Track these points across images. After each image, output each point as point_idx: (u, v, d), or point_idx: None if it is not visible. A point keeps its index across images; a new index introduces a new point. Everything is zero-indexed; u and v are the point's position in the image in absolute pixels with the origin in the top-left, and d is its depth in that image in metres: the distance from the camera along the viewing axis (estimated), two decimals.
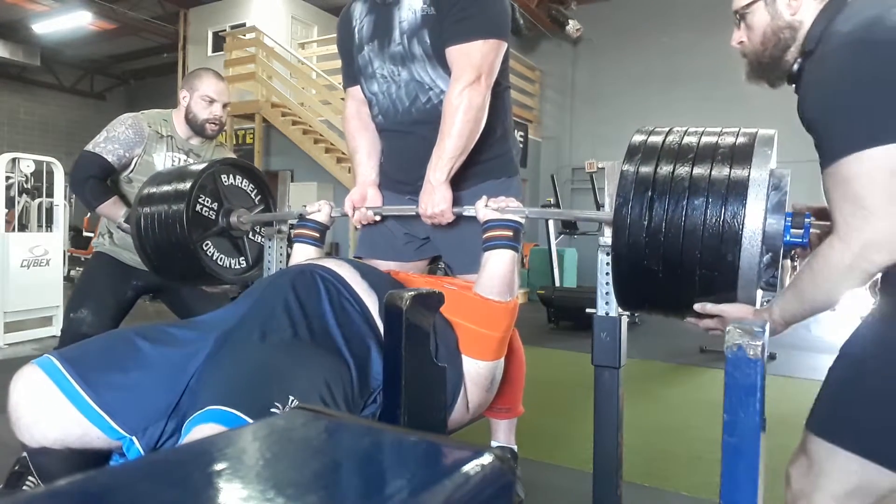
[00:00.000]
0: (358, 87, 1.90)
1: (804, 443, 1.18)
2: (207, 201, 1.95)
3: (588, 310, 1.51)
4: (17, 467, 1.71)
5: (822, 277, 1.06)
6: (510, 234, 1.53)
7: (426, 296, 1.15)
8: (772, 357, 4.17)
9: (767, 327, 0.88)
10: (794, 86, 1.22)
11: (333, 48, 8.69)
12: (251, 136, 9.57)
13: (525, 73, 9.82)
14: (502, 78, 1.80)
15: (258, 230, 2.13)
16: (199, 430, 1.02)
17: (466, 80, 1.62)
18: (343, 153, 8.39)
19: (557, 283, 6.84)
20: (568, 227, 7.50)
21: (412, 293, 1.11)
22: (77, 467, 1.14)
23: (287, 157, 9.30)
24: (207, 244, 1.94)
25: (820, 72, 1.10)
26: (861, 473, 1.08)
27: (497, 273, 1.50)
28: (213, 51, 10.53)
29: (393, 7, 1.75)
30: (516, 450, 1.95)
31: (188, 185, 1.86)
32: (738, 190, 1.08)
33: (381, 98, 1.82)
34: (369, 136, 1.91)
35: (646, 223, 1.14)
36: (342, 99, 8.47)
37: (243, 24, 9.88)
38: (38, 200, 7.33)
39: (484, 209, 1.56)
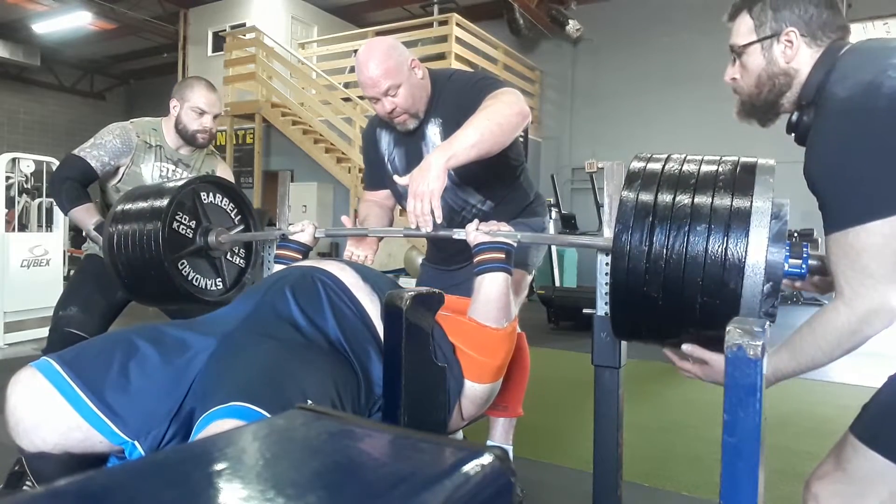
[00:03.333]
0: (378, 191, 2.06)
1: (842, 460, 1.15)
2: (185, 219, 1.87)
3: (586, 310, 1.51)
4: (17, 467, 1.71)
5: (825, 340, 1.08)
6: (502, 256, 1.47)
7: (426, 296, 1.15)
8: None
9: (767, 327, 0.88)
10: (792, 135, 1.23)
11: (333, 48, 8.66)
12: (251, 136, 9.57)
13: (525, 73, 9.82)
14: (514, 158, 1.94)
15: (237, 251, 2.07)
16: (216, 426, 0.99)
17: (501, 94, 1.70)
18: (343, 153, 8.40)
19: (557, 283, 6.84)
20: (568, 226, 7.51)
21: (412, 293, 1.11)
22: (75, 472, 1.12)
23: (287, 157, 9.30)
24: (183, 263, 1.86)
25: (822, 140, 1.11)
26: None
27: (491, 297, 1.44)
28: (213, 51, 10.53)
29: (420, 141, 1.88)
30: (511, 450, 1.95)
31: (166, 201, 1.78)
32: (741, 219, 1.09)
33: None
34: (382, 212, 2.05)
35: (646, 249, 1.13)
36: (342, 99, 8.52)
37: (243, 24, 9.88)
38: (38, 200, 7.34)
39: (474, 232, 1.50)
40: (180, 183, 1.88)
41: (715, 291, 1.10)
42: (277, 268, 1.74)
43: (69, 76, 14.34)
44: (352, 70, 8.96)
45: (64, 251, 6.03)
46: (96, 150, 2.23)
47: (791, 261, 1.16)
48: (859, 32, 7.99)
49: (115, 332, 1.31)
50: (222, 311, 1.41)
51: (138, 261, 1.78)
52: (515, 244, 1.50)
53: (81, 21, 10.72)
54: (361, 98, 7.48)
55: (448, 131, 1.79)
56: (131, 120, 2.37)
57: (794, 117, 1.22)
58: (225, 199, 2.03)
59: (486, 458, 0.49)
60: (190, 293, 1.85)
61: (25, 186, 7.47)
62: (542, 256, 2.10)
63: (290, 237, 1.77)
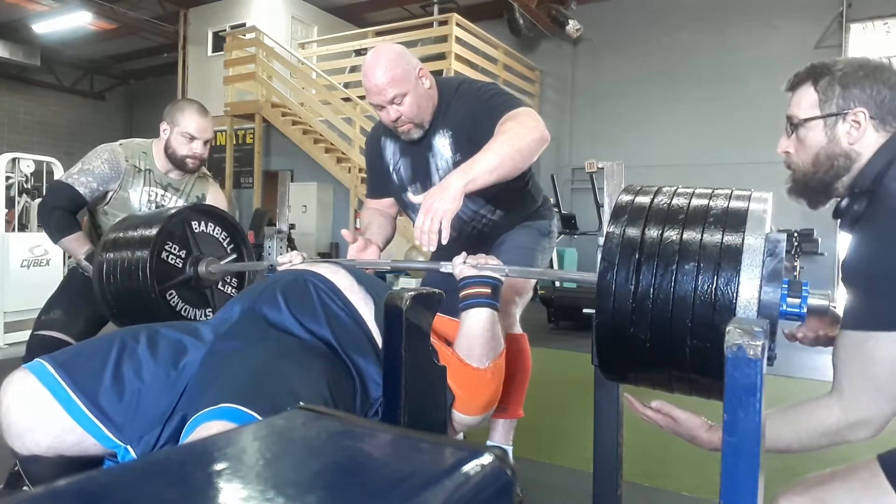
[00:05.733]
0: (381, 199, 2.04)
1: (857, 479, 1.10)
2: (175, 248, 1.83)
3: (586, 310, 1.50)
4: (17, 467, 1.70)
5: (807, 433, 1.06)
6: (488, 291, 1.40)
7: (426, 296, 1.14)
8: (772, 358, 4.14)
9: (768, 327, 0.88)
10: (838, 220, 1.17)
11: (333, 48, 8.65)
12: (251, 136, 9.57)
13: (525, 73, 9.82)
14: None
15: (229, 280, 2.03)
16: (205, 428, 0.99)
17: (519, 116, 1.68)
18: (343, 153, 8.40)
19: (557, 284, 6.84)
20: (568, 226, 7.50)
21: (412, 293, 1.11)
22: (69, 474, 1.11)
23: (287, 157, 9.30)
24: (171, 294, 1.81)
25: (873, 235, 1.05)
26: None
27: (475, 334, 1.37)
28: (213, 51, 10.53)
29: (427, 152, 1.86)
30: (511, 450, 1.95)
31: (155, 231, 1.76)
32: (731, 256, 1.02)
33: None
34: (385, 221, 2.02)
35: (632, 288, 1.06)
36: (342, 99, 8.52)
37: (243, 24, 9.88)
38: (38, 200, 7.33)
39: (461, 266, 1.44)
40: (171, 212, 1.85)
41: (705, 334, 1.03)
42: None
43: (69, 76, 14.34)
44: (352, 70, 8.96)
45: (64, 251, 6.02)
46: (84, 177, 2.17)
47: (789, 300, 1.07)
48: (859, 32, 8.00)
49: (109, 334, 1.30)
50: (215, 315, 1.41)
51: (126, 290, 1.74)
52: (503, 279, 1.44)
53: (81, 21, 10.71)
54: (361, 98, 7.48)
55: (459, 144, 1.79)
56: (121, 141, 2.31)
57: (845, 203, 1.15)
58: (217, 227, 1.98)
59: (486, 458, 0.49)
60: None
61: (25, 186, 7.46)
62: (548, 259, 2.08)
63: (278, 269, 1.69)
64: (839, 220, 1.17)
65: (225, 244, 2.00)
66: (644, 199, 1.15)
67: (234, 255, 2.00)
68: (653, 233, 1.08)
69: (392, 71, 1.71)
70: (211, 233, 1.97)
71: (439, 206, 1.49)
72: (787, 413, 1.10)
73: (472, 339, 1.37)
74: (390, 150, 1.96)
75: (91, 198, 2.19)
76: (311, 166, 8.81)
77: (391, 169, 1.96)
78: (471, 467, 0.48)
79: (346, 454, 0.53)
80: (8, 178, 5.51)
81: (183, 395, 1.18)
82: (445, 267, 1.50)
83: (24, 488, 1.59)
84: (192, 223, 1.90)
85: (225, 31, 9.99)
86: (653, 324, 1.06)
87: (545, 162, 9.90)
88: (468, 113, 1.78)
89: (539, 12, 9.20)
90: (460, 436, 1.86)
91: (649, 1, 9.16)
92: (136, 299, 1.74)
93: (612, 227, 1.12)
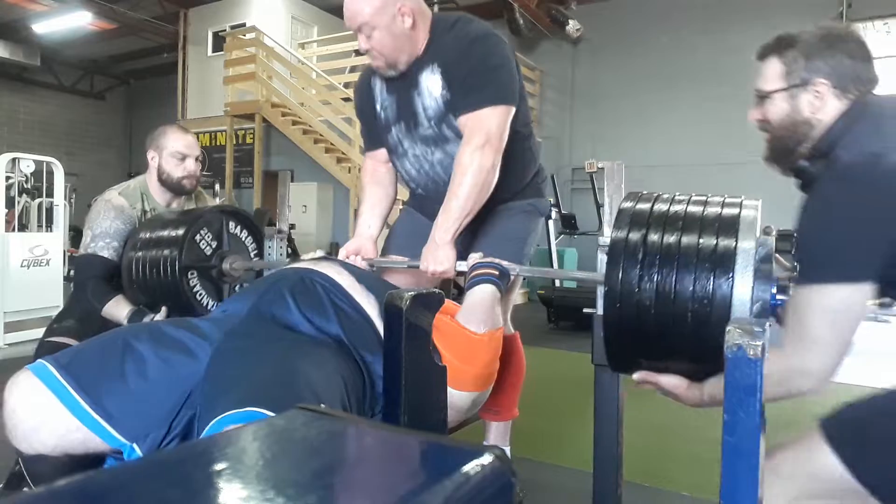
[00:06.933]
0: (377, 150, 1.98)
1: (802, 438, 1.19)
2: (208, 237, 1.98)
3: (586, 310, 1.51)
4: (17, 467, 1.70)
5: None
6: (496, 272, 1.52)
7: (426, 296, 1.14)
8: None
9: (768, 327, 0.88)
10: (799, 182, 1.24)
11: (333, 48, 8.63)
12: (251, 136, 9.57)
13: (525, 73, 9.80)
14: (524, 127, 1.86)
15: (245, 286, 2.06)
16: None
17: (477, 143, 1.65)
18: (343, 153, 8.39)
19: (557, 283, 6.84)
20: (568, 226, 7.51)
21: (412, 293, 1.11)
22: (74, 473, 1.11)
23: (287, 157, 9.29)
24: (192, 275, 1.94)
25: (816, 199, 1.13)
26: (841, 498, 1.10)
27: (476, 301, 1.45)
28: (213, 51, 10.52)
29: (412, 90, 1.79)
30: (508, 451, 1.95)
31: (196, 214, 1.98)
32: (725, 259, 1.12)
33: (417, 176, 1.89)
34: (380, 191, 1.97)
35: (636, 289, 1.16)
36: (342, 99, 8.51)
37: (243, 24, 9.87)
38: (38, 200, 7.34)
39: (476, 259, 1.59)
40: (213, 206, 2.05)
41: (703, 328, 1.12)
42: None
43: (69, 76, 14.33)
44: (352, 70, 8.95)
45: (64, 251, 6.02)
46: (102, 241, 2.14)
47: (779, 297, 1.17)
48: (859, 32, 8.00)
49: (112, 333, 1.30)
50: (218, 311, 1.40)
51: (152, 260, 1.89)
52: (511, 272, 1.56)
53: (81, 21, 10.70)
54: None
55: (449, 80, 1.72)
56: (115, 189, 2.26)
57: (803, 164, 1.22)
58: (249, 237, 2.12)
59: (487, 458, 0.49)
60: (191, 304, 1.91)
61: (25, 186, 7.47)
62: (532, 244, 2.01)
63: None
64: (800, 183, 1.24)
65: (252, 253, 2.13)
66: (645, 206, 1.25)
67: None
68: (654, 237, 1.18)
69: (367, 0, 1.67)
70: (242, 238, 2.11)
71: (438, 268, 1.66)
72: None
73: (472, 307, 1.43)
74: (378, 88, 1.90)
75: (118, 256, 2.14)
76: (311, 166, 8.80)
77: (378, 108, 1.90)
78: (471, 467, 0.48)
79: (346, 454, 0.53)
80: (8, 178, 5.51)
81: (192, 394, 1.17)
82: (461, 266, 1.64)
83: (25, 489, 1.59)
84: (230, 223, 2.06)
85: (225, 31, 9.99)
86: (656, 322, 1.15)
87: (545, 162, 9.88)
88: (463, 60, 1.71)
89: (539, 12, 9.20)
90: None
91: (649, 1, 9.15)
92: (159, 268, 1.88)
93: (616, 231, 1.22)
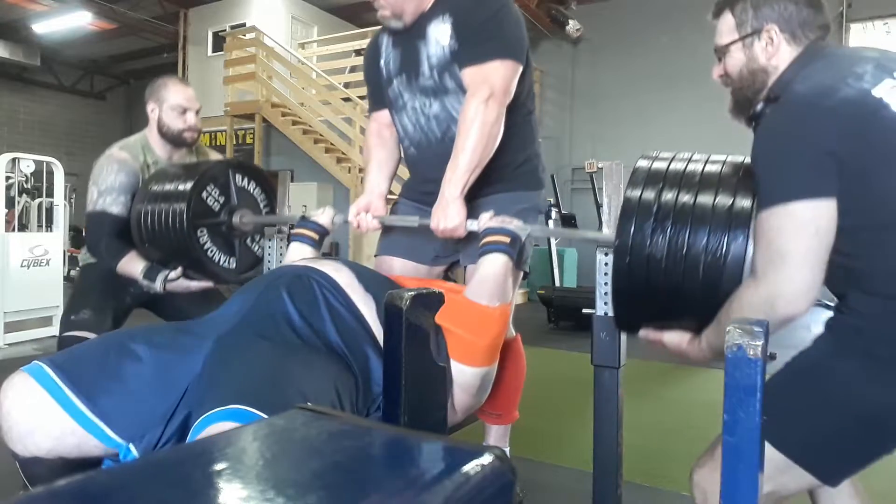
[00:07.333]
0: (381, 111, 1.95)
1: (715, 447, 1.21)
2: (215, 192, 1.97)
3: (586, 310, 1.51)
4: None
5: (736, 314, 1.12)
6: (507, 240, 1.50)
7: (426, 296, 1.15)
8: (772, 357, 4.16)
9: (768, 327, 0.88)
10: (753, 125, 1.27)
11: (333, 48, 8.62)
12: (251, 136, 9.56)
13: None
14: (528, 100, 1.84)
15: (257, 238, 2.11)
16: (215, 428, 0.98)
17: (482, 97, 1.63)
18: (343, 153, 8.39)
19: (557, 284, 6.84)
20: (568, 226, 7.51)
21: (412, 293, 1.11)
22: (69, 476, 1.11)
23: (287, 157, 9.29)
24: (202, 232, 1.94)
25: (769, 124, 1.18)
26: (776, 475, 1.12)
27: (488, 276, 1.45)
28: (213, 51, 10.52)
29: (418, 41, 1.76)
30: (507, 451, 1.94)
31: (201, 169, 1.95)
32: (742, 218, 1.14)
33: (412, 131, 1.85)
34: (385, 152, 1.95)
35: (647, 246, 1.17)
36: (342, 99, 8.51)
37: (243, 24, 9.87)
38: (38, 200, 7.34)
39: (487, 220, 1.57)
40: (217, 159, 2.03)
41: (715, 289, 1.14)
42: (293, 246, 1.78)
43: (69, 76, 14.33)
44: (352, 70, 8.96)
45: (64, 251, 6.03)
46: (111, 196, 2.13)
47: None
48: (859, 32, 7.99)
49: (108, 335, 1.31)
50: (217, 312, 1.40)
51: (161, 217, 1.89)
52: (524, 236, 1.55)
53: (81, 21, 10.70)
54: (361, 98, 7.48)
55: (460, 33, 1.70)
56: (118, 146, 2.26)
57: (759, 108, 1.26)
58: (257, 188, 2.12)
59: (487, 458, 0.49)
60: (201, 261, 1.94)
61: (25, 186, 7.48)
62: (530, 245, 1.93)
63: (310, 217, 1.82)
64: (753, 126, 1.27)
65: (261, 205, 2.12)
66: (661, 165, 1.28)
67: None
68: (668, 196, 1.20)
69: None
70: (251, 191, 2.10)
71: (449, 224, 1.63)
72: (725, 305, 1.15)
73: (485, 281, 1.45)
74: (384, 44, 1.89)
75: (127, 211, 2.13)
76: (311, 166, 8.80)
77: (381, 63, 1.88)
78: (471, 467, 0.48)
79: (346, 454, 0.53)
80: (8, 178, 5.51)
81: (186, 393, 1.17)
82: (472, 225, 1.62)
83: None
84: (237, 176, 2.05)
85: (225, 31, 9.98)
86: (666, 279, 1.17)
87: (545, 162, 9.89)
88: (475, 13, 1.70)
89: (539, 12, 9.20)
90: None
91: (649, 1, 9.16)
92: (168, 229, 1.88)
93: (630, 190, 1.24)
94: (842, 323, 1.14)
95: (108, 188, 2.14)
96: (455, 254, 1.91)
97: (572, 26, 9.37)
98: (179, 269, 2.03)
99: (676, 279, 1.16)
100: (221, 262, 2.01)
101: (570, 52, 9.82)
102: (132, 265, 2.08)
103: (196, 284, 2.09)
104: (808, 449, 1.12)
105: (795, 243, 1.06)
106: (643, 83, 9.06)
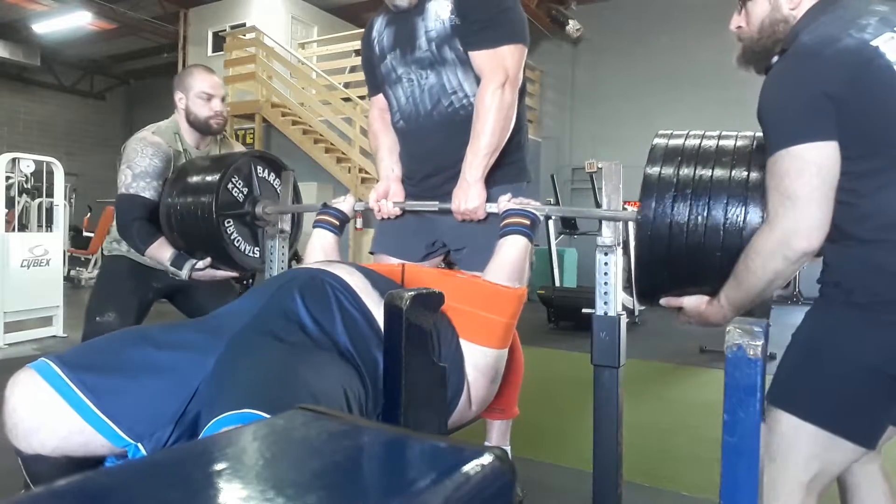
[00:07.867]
0: (381, 95, 1.96)
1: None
2: (239, 184, 2.05)
3: (586, 310, 1.52)
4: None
5: (753, 262, 1.16)
6: (527, 222, 1.58)
7: (426, 296, 1.14)
8: (772, 357, 4.16)
9: (768, 327, 0.88)
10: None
11: (333, 48, 8.62)
12: (251, 136, 9.56)
13: (525, 73, 9.80)
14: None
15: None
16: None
17: (498, 81, 1.70)
18: (343, 153, 8.39)
19: (557, 283, 6.84)
20: (568, 227, 7.50)
21: (412, 293, 1.11)
22: (73, 474, 1.11)
23: (287, 157, 9.20)
24: (229, 223, 2.02)
25: (771, 75, 1.20)
26: (822, 453, 1.13)
27: (508, 258, 1.52)
28: (213, 51, 10.52)
29: (415, 16, 1.80)
30: (509, 451, 1.95)
31: (227, 162, 2.04)
32: (756, 186, 1.20)
33: (404, 102, 1.87)
34: (391, 136, 1.97)
35: (670, 214, 1.24)
36: (342, 99, 8.51)
37: (243, 24, 9.87)
38: (38, 200, 7.34)
39: (506, 203, 1.64)
40: (242, 152, 2.13)
41: (732, 256, 1.19)
42: (317, 232, 1.83)
43: (69, 76, 14.33)
44: (352, 70, 8.96)
45: (64, 251, 6.03)
46: (144, 181, 2.14)
47: None
48: None
49: (118, 332, 1.30)
50: (228, 309, 1.39)
51: (191, 209, 1.98)
52: (542, 217, 1.62)
53: (81, 21, 10.71)
54: (361, 98, 7.48)
55: (463, 10, 1.73)
56: (150, 129, 2.27)
57: (774, 60, 1.27)
58: (277, 179, 2.18)
59: (487, 458, 0.49)
60: (229, 251, 2.01)
61: (25, 186, 7.48)
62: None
63: (331, 205, 1.87)
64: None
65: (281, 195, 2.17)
66: (678, 142, 1.34)
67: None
68: (686, 171, 1.27)
69: None
70: (272, 182, 2.17)
71: (469, 206, 1.69)
72: (740, 259, 1.19)
73: (505, 263, 1.51)
74: (378, 24, 1.92)
75: (158, 196, 2.14)
76: (311, 166, 8.80)
77: (375, 42, 1.91)
78: (471, 467, 0.48)
79: (346, 454, 0.53)
80: (8, 178, 5.51)
81: (197, 392, 1.16)
82: (491, 207, 1.68)
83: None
84: (258, 168, 2.13)
85: (225, 31, 9.99)
86: (688, 241, 1.23)
87: (545, 162, 9.90)
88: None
89: (539, 12, 9.20)
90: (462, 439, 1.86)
91: (649, 1, 9.16)
92: (197, 220, 1.97)
93: (650, 167, 1.31)
94: (823, 282, 1.19)
95: (143, 172, 2.15)
96: (444, 246, 1.95)
97: (572, 26, 9.37)
98: (208, 260, 2.08)
99: (697, 240, 1.22)
100: (247, 251, 2.09)
101: (570, 52, 9.82)
102: (161, 251, 2.12)
103: (222, 273, 2.17)
104: (839, 414, 1.13)
105: (800, 183, 1.09)
106: (643, 83, 9.06)
